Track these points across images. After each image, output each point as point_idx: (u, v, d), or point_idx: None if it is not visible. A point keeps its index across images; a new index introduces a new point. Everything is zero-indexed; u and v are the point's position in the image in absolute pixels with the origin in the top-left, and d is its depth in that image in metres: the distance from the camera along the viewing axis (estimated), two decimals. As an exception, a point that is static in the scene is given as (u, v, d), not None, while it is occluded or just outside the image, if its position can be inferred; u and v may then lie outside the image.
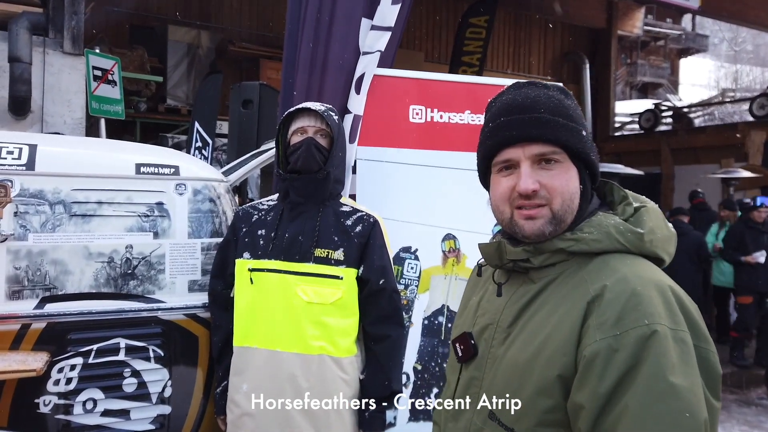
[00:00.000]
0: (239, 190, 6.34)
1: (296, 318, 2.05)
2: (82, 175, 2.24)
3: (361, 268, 2.10)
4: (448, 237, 2.53)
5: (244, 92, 3.78)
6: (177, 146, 6.87)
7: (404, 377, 2.36)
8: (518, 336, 1.10)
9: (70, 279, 2.17)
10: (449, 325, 2.49)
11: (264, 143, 3.44)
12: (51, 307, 2.13)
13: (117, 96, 5.77)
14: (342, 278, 2.07)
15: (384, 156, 2.49)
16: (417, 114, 2.51)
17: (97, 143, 2.40)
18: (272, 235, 2.12)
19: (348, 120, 2.44)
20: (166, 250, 2.31)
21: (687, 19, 19.99)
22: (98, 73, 5.53)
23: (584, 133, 1.12)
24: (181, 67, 8.65)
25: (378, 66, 2.44)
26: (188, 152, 5.18)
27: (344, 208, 2.16)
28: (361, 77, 2.41)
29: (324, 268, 2.07)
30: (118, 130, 7.56)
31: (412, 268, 2.50)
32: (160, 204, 2.32)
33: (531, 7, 10.99)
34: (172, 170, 2.39)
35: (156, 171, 2.36)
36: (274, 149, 2.20)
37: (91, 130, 5.97)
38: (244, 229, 2.19)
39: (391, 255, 2.23)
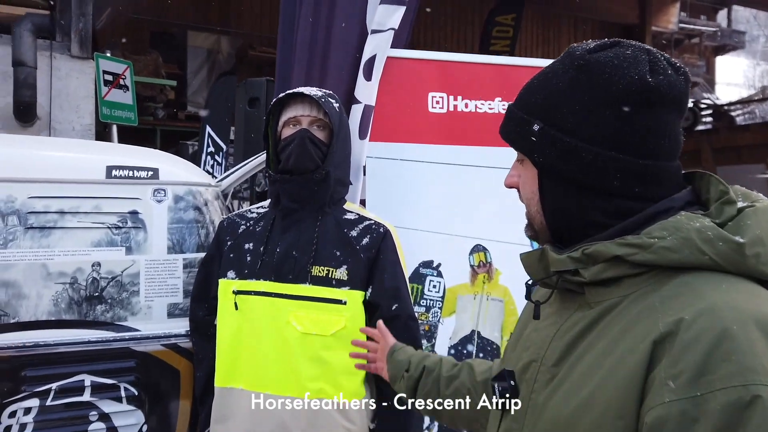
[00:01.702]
0: (260, 196, 5.97)
1: (289, 353, 1.63)
2: (40, 180, 1.86)
3: (369, 290, 1.67)
4: (478, 249, 2.08)
5: (250, 89, 3.40)
6: (196, 154, 6.56)
7: (426, 420, 1.92)
8: (565, 380, 0.84)
9: (25, 304, 1.79)
10: (480, 355, 2.04)
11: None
12: (1, 338, 1.76)
13: (129, 101, 5.47)
14: (345, 303, 1.64)
15: (399, 153, 2.06)
16: (438, 102, 2.08)
17: (62, 143, 2.05)
18: (261, 249, 1.71)
19: (357, 111, 2.01)
20: (140, 268, 1.91)
21: (722, 15, 19.14)
22: (109, 77, 5.24)
23: (536, 127, 0.88)
24: (201, 73, 8.39)
25: (391, 47, 2.02)
26: (200, 158, 4.83)
27: (348, 216, 1.74)
28: (372, 60, 1.99)
29: (323, 290, 1.65)
30: (137, 138, 7.28)
31: (434, 286, 2.05)
32: (134, 213, 1.93)
33: (559, 3, 10.45)
34: (150, 173, 2.00)
35: (130, 174, 1.97)
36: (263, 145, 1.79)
37: (104, 138, 5.69)
38: (229, 243, 1.78)
39: (408, 272, 1.80)
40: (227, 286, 1.73)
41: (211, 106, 5.00)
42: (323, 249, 1.67)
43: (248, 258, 1.72)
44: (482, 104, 2.10)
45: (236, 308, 1.70)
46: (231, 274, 1.73)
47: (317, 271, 1.66)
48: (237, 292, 1.70)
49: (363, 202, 2.04)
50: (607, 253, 0.81)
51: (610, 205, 0.85)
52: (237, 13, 8.97)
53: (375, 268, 1.67)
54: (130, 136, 6.30)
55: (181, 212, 1.99)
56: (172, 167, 2.07)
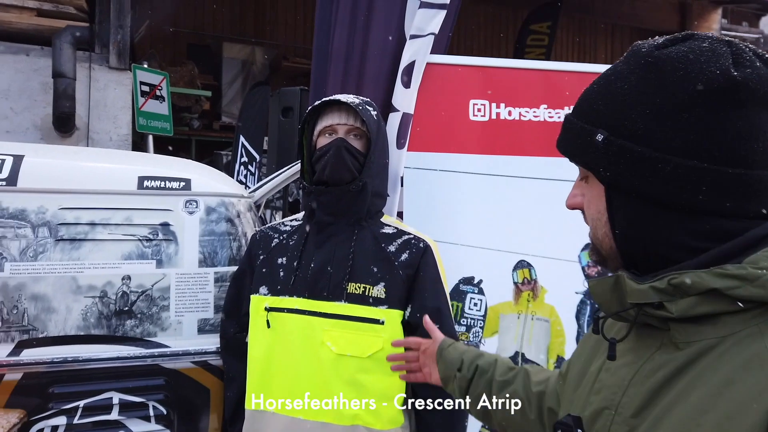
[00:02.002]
0: (291, 207, 5.93)
1: (324, 375, 1.53)
2: (72, 191, 1.82)
3: (409, 310, 1.57)
4: (521, 265, 1.96)
5: (284, 99, 3.34)
6: (230, 164, 6.58)
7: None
8: None
9: (54, 318, 1.74)
10: (524, 378, 1.90)
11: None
12: (29, 354, 1.71)
13: (165, 112, 5.51)
14: (383, 323, 1.54)
15: (438, 163, 1.95)
16: (479, 110, 1.97)
17: (93, 153, 2.01)
18: (294, 264, 1.62)
19: (394, 120, 1.92)
20: (171, 282, 1.85)
21: (765, 21, 18.51)
22: (146, 88, 5.28)
23: (600, 137, 0.77)
24: (235, 84, 8.44)
25: (431, 53, 1.92)
26: (233, 167, 4.81)
27: (386, 230, 1.64)
28: (410, 67, 1.89)
29: (360, 309, 1.55)
30: (172, 149, 7.35)
31: (475, 304, 1.93)
32: (165, 225, 1.87)
33: (596, 11, 10.21)
34: (182, 184, 1.94)
35: (162, 185, 1.91)
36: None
37: (140, 149, 5.74)
38: (261, 257, 1.70)
39: (449, 289, 1.69)
40: (259, 302, 1.65)
41: (245, 115, 4.98)
42: (360, 265, 1.57)
43: (281, 273, 1.63)
44: (526, 112, 1.98)
45: (268, 326, 1.61)
46: (263, 289, 1.65)
47: (353, 288, 1.56)
48: (269, 309, 1.62)
49: (400, 215, 1.94)
50: (701, 285, 0.68)
51: (699, 224, 0.72)
52: (271, 24, 9.04)
53: (415, 286, 1.56)
54: (165, 147, 6.36)
55: (213, 224, 1.93)
56: (205, 178, 2.01)
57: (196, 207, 1.92)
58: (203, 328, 1.86)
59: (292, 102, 3.34)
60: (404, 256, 1.58)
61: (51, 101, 4.59)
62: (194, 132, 7.44)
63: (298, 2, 9.22)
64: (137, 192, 1.88)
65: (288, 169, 2.38)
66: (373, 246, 1.59)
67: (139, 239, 1.84)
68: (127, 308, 1.80)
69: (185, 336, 1.84)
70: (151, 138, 5.39)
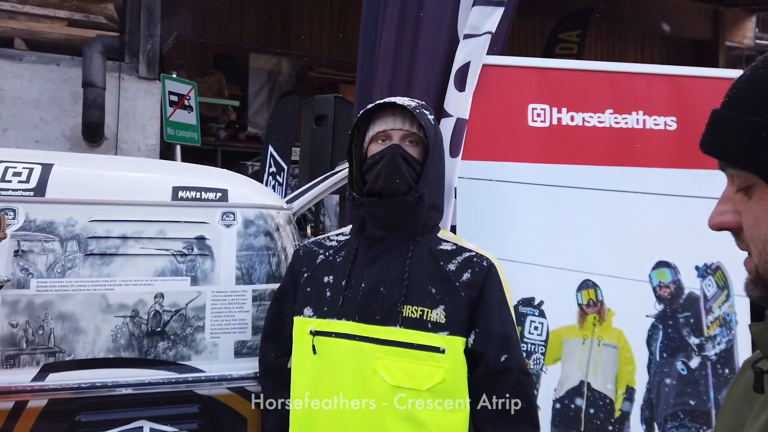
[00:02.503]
0: (314, 219, 5.78)
1: (377, 410, 1.36)
2: (103, 202, 1.69)
3: (472, 337, 1.39)
4: (587, 285, 1.77)
5: (318, 107, 3.21)
6: (256, 174, 6.49)
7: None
8: None
9: (82, 340, 1.60)
10: (591, 410, 1.71)
11: (339, 164, 2.84)
12: (55, 378, 1.57)
13: (193, 122, 5.44)
14: (444, 351, 1.37)
15: (494, 173, 1.78)
16: (539, 115, 1.80)
17: (126, 162, 1.88)
18: (343, 284, 1.46)
19: (447, 126, 1.76)
20: (206, 300, 1.70)
21: (796, 29, 18.03)
22: (174, 98, 5.21)
23: None
24: (261, 95, 8.38)
25: (487, 53, 1.76)
26: (261, 178, 4.69)
27: (445, 246, 1.47)
28: (464, 68, 1.73)
29: (417, 335, 1.38)
30: (199, 159, 7.27)
31: (536, 328, 1.75)
32: (201, 239, 1.73)
33: (626, 19, 9.99)
34: (219, 195, 1.80)
35: (198, 196, 1.77)
36: (347, 164, 1.56)
37: (168, 158, 5.67)
38: (305, 275, 1.54)
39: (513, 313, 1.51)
40: (303, 325, 1.49)
41: (273, 125, 4.87)
42: (416, 285, 1.40)
43: (328, 293, 1.47)
44: (591, 117, 1.80)
45: (314, 352, 1.45)
46: (308, 311, 1.49)
47: (410, 311, 1.39)
48: (315, 333, 1.46)
49: (453, 229, 1.77)
50: None
51: None
52: (297, 35, 8.99)
53: (479, 310, 1.39)
54: (192, 157, 6.28)
55: (251, 238, 1.78)
56: (242, 188, 1.87)
57: (234, 219, 1.77)
58: (240, 351, 1.71)
59: (326, 110, 3.21)
60: (466, 275, 1.41)
61: (80, 111, 4.53)
62: (220, 142, 7.37)
63: (324, 13, 9.17)
64: (171, 203, 1.74)
65: (326, 178, 2.24)
66: (430, 264, 1.43)
67: (173, 254, 1.70)
68: (159, 329, 1.66)
69: (221, 359, 1.69)
70: (178, 148, 5.32)
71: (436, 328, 1.37)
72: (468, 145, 1.75)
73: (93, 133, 4.55)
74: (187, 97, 5.35)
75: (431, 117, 1.47)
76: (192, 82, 5.42)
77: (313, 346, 1.45)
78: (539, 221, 1.78)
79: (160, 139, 5.04)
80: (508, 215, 1.77)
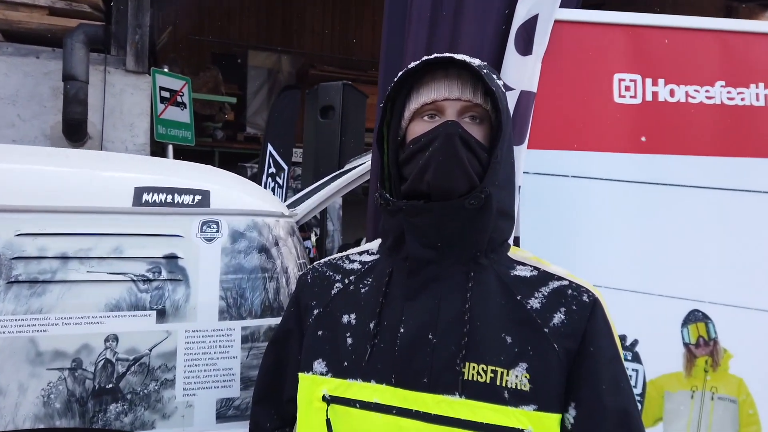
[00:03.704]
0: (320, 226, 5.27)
1: None
2: (35, 209, 1.20)
3: (572, 413, 0.90)
4: (695, 317, 1.28)
5: (324, 96, 2.73)
6: (254, 177, 6.02)
7: None
8: None
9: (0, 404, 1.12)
10: (708, 491, 1.23)
11: (349, 161, 2.35)
12: (-42, 461, 1.09)
13: (187, 120, 4.95)
14: (530, 435, 0.88)
15: (569, 166, 1.29)
16: (627, 89, 1.31)
17: (71, 155, 1.40)
18: (371, 326, 0.97)
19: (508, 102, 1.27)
20: (178, 343, 1.21)
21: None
22: (166, 94, 4.73)
23: None
24: (261, 94, 7.92)
25: (561, 5, 1.28)
26: (259, 180, 4.21)
27: (521, 272, 0.97)
28: (530, 25, 1.25)
29: (487, 410, 0.88)
30: (194, 160, 6.72)
31: (629, 377, 1.26)
32: (171, 258, 1.24)
33: (638, 10, 9.54)
34: (198, 198, 1.31)
35: (169, 200, 1.29)
36: (369, 158, 1.07)
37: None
38: (315, 312, 1.04)
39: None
40: (313, 386, 0.99)
41: (273, 122, 4.39)
42: (483, 331, 0.91)
43: (349, 341, 0.98)
44: (696, 91, 1.32)
45: (329, 429, 0.96)
46: (319, 365, 0.99)
47: (475, 372, 0.89)
48: (330, 400, 0.96)
49: (516, 241, 1.28)
50: None
51: None
52: (298, 32, 8.54)
53: (581, 371, 0.89)
54: (186, 158, 5.79)
55: (240, 256, 1.29)
56: (229, 189, 1.38)
57: (217, 231, 1.28)
58: (225, 413, 1.22)
59: (333, 99, 2.73)
60: (558, 317, 0.91)
61: (62, 107, 4.05)
62: (217, 143, 6.90)
63: (326, 9, 8.71)
64: (132, 210, 1.25)
65: (335, 178, 1.76)
66: (502, 298, 0.93)
67: (133, 280, 1.20)
68: (111, 385, 1.16)
69: (198, 426, 1.20)
70: (171, 148, 4.83)
71: (516, 399, 0.87)
72: (535, 129, 1.26)
73: (75, 131, 4.06)
74: (180, 93, 4.87)
75: (502, 82, 0.98)
76: (185, 77, 4.93)
77: (328, 421, 0.96)
78: (629, 231, 1.28)
79: (150, 138, 4.56)
80: (588, 223, 1.28)
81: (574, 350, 0.89)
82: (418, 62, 0.95)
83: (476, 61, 0.95)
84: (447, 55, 0.94)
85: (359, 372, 0.95)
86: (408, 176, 0.97)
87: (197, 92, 5.49)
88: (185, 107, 4.90)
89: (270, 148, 4.23)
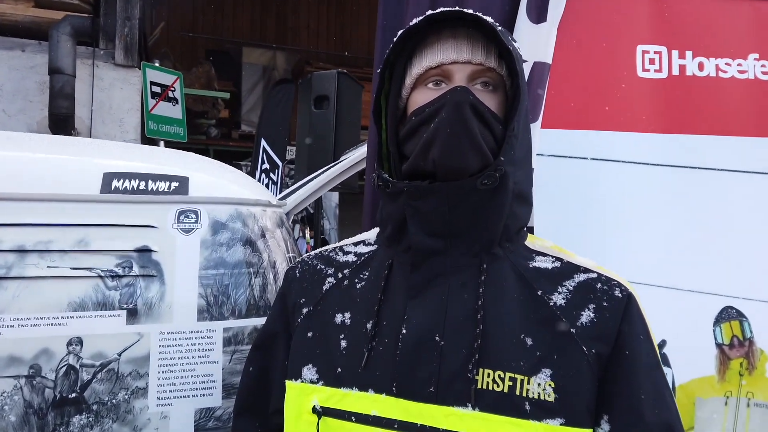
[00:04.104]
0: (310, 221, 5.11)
1: None
2: (-12, 197, 1.07)
3: (605, 426, 0.77)
4: (728, 315, 1.15)
5: (317, 86, 2.58)
6: (249, 174, 5.87)
7: None
8: None
9: (-56, 417, 0.98)
10: None
11: (344, 153, 2.22)
12: None
13: (179, 116, 4.80)
14: (556, 456, 0.75)
15: (587, 147, 1.16)
16: (652, 62, 1.18)
17: (37, 140, 1.26)
18: (368, 327, 0.83)
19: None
20: (151, 347, 1.08)
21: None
22: (157, 89, 4.58)
23: None
24: (256, 91, 7.77)
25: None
26: (253, 175, 4.06)
27: (541, 263, 0.83)
28: (543, -11, 1.12)
29: (505, 425, 0.75)
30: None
31: (659, 382, 1.13)
32: (144, 252, 1.10)
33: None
34: (175, 185, 1.17)
35: (142, 186, 1.15)
36: (376, 134, 0.93)
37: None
38: (305, 310, 0.91)
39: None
40: (302, 396, 0.85)
41: (267, 116, 4.24)
42: (500, 333, 0.77)
43: (343, 344, 0.84)
44: (727, 65, 1.18)
45: (321, 446, 0.82)
46: (309, 372, 0.85)
47: (489, 379, 0.76)
48: (322, 412, 0.83)
49: (530, 231, 1.14)
50: None
51: None
52: (293, 29, 8.41)
53: (616, 378, 0.76)
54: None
55: (222, 249, 1.15)
56: (210, 176, 1.24)
57: (196, 221, 1.15)
58: (204, 425, 1.08)
59: (328, 89, 2.59)
60: (587, 315, 0.78)
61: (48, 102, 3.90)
62: (211, 141, 6.75)
63: (321, 5, 8.58)
64: (100, 198, 1.11)
65: (329, 168, 1.62)
66: (520, 294, 0.80)
67: (100, 276, 1.07)
68: (74, 395, 1.02)
69: (174, 440, 1.06)
70: (162, 144, 4.68)
71: (539, 411, 0.74)
72: (550, 106, 1.13)
73: (62, 127, 3.91)
74: (172, 89, 4.72)
75: (517, 44, 0.85)
76: (177, 72, 4.78)
77: (319, 435, 0.82)
78: (655, 220, 1.15)
79: (140, 134, 4.42)
80: (609, 211, 1.15)
81: (606, 354, 0.76)
82: (420, 18, 0.82)
83: (489, 18, 0.81)
84: (455, 9, 0.80)
85: (355, 380, 0.81)
86: (410, 154, 0.83)
87: (189, 88, 5.34)
88: (177, 103, 4.76)
89: (263, 143, 4.09)
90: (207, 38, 7.76)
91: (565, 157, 1.14)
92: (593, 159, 1.14)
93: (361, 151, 1.58)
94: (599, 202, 1.14)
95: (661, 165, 1.15)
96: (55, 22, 3.96)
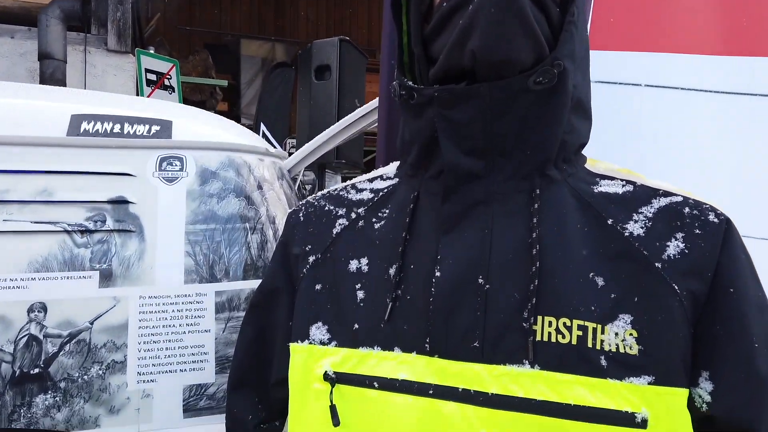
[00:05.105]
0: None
1: None
2: (-68, 139, 0.89)
3: (706, 385, 0.59)
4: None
5: (318, 55, 2.41)
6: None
7: None
8: None
9: None
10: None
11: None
12: None
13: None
14: (644, 424, 0.57)
15: (642, 72, 0.98)
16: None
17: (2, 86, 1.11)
18: (391, 272, 0.66)
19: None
20: (130, 314, 0.90)
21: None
22: (152, 76, 4.42)
23: None
24: (255, 83, 7.60)
25: None
26: (253, 162, 3.91)
27: (608, 187, 0.65)
28: None
29: (576, 385, 0.58)
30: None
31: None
32: (119, 203, 0.93)
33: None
34: (156, 128, 1.00)
35: (116, 130, 0.97)
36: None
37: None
38: (311, 258, 0.73)
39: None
40: (310, 360, 0.67)
41: (266, 100, 4.07)
42: (562, 271, 0.60)
43: (360, 294, 0.67)
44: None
45: (336, 421, 0.65)
46: (319, 332, 0.68)
47: (552, 329, 0.58)
48: (336, 379, 0.65)
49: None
50: None
51: None
52: (292, 20, 8.25)
53: (718, 322, 0.58)
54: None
55: (212, 201, 0.98)
56: (197, 121, 1.06)
57: (181, 169, 0.97)
58: (195, 405, 0.90)
59: (329, 58, 2.42)
60: (676, 245, 0.60)
61: (37, 88, 3.73)
62: (211, 134, 6.57)
63: (320, -4, 8.41)
64: (67, 142, 0.93)
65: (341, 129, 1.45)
66: (584, 225, 0.62)
67: (67, 231, 0.89)
68: (38, 370, 0.85)
69: (158, 425, 0.88)
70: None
71: (619, 367, 0.56)
72: (596, 25, 0.95)
73: (53, 114, 3.74)
74: (168, 76, 4.55)
75: None
76: (173, 60, 4.62)
77: (333, 407, 0.64)
78: (726, 158, 0.97)
79: (136, 122, 4.25)
80: (668, 148, 0.97)
81: (703, 293, 0.58)
82: None
83: None
84: None
85: (377, 337, 0.64)
86: (436, 56, 0.65)
87: (187, 76, 5.17)
88: (173, 91, 4.59)
89: (263, 128, 3.91)
90: (204, 31, 7.60)
91: (614, 83, 0.96)
92: (647, 86, 0.96)
93: (366, 106, 1.41)
94: (656, 137, 0.96)
95: (733, 93, 0.97)
96: (44, 7, 3.80)
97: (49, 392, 0.84)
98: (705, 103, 0.96)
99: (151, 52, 4.45)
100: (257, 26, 8.00)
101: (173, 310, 0.90)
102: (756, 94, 0.96)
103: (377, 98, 1.08)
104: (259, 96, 4.44)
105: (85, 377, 0.85)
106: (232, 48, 7.57)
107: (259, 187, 1.01)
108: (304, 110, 2.48)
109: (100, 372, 0.86)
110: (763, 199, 0.96)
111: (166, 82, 4.52)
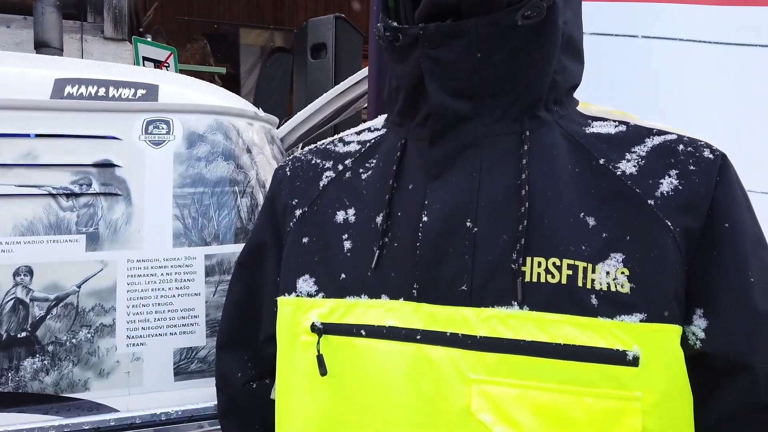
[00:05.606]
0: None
1: None
2: None
3: (700, 322, 0.57)
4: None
5: (313, 33, 2.38)
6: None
7: None
8: None
9: None
10: None
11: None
12: None
13: (174, 93, 4.61)
14: (636, 362, 0.55)
15: (639, 23, 0.96)
16: None
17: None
18: (378, 220, 0.65)
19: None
20: (118, 278, 0.89)
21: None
22: (150, 65, 4.40)
23: None
24: (255, 72, 7.56)
25: None
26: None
27: (599, 128, 0.63)
28: None
29: (565, 325, 0.56)
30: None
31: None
32: (106, 167, 0.92)
33: None
34: (142, 92, 0.98)
35: (102, 93, 0.96)
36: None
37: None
38: (298, 212, 0.72)
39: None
40: (298, 313, 0.66)
41: (263, 87, 4.05)
42: (551, 211, 0.58)
43: (347, 244, 0.65)
44: None
45: (323, 370, 0.63)
46: (306, 284, 0.66)
47: (541, 270, 0.56)
48: (324, 330, 0.64)
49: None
50: None
51: None
52: (290, 8, 8.20)
53: (713, 258, 0.57)
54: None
55: (200, 165, 0.96)
56: (183, 86, 1.05)
57: (168, 132, 0.95)
58: (186, 368, 0.89)
59: (325, 36, 2.39)
60: (669, 182, 0.58)
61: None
62: (211, 123, 6.55)
63: (319, -16, 8.35)
64: (51, 105, 0.92)
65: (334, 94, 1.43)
66: (575, 165, 0.60)
67: (52, 194, 0.88)
68: (25, 334, 0.84)
69: (149, 387, 0.88)
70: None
71: (610, 306, 0.54)
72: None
73: (51, 103, 3.73)
74: (165, 64, 4.53)
75: None
76: (171, 47, 4.59)
77: (320, 357, 0.63)
78: (727, 112, 0.95)
79: (134, 111, 4.23)
80: (668, 102, 0.94)
81: (697, 230, 0.56)
82: None
83: None
84: None
85: (364, 285, 0.62)
86: (421, -7, 0.63)
87: (185, 65, 5.15)
88: (171, 79, 4.56)
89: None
90: (203, 21, 7.57)
91: (609, 35, 0.94)
92: (644, 37, 0.94)
93: (360, 72, 1.39)
94: (655, 92, 0.94)
95: (736, 44, 0.95)
96: (39, -6, 3.77)
97: (37, 356, 0.83)
98: (712, 55, 0.93)
99: (149, 39, 4.43)
100: (256, 15, 7.96)
101: (162, 274, 0.89)
102: (759, 45, 0.94)
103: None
104: (256, 81, 4.42)
105: (74, 341, 0.84)
106: (231, 37, 7.54)
107: (248, 151, 1.00)
108: (301, 89, 2.46)
109: (89, 335, 0.84)
110: None
111: (164, 70, 4.49)
